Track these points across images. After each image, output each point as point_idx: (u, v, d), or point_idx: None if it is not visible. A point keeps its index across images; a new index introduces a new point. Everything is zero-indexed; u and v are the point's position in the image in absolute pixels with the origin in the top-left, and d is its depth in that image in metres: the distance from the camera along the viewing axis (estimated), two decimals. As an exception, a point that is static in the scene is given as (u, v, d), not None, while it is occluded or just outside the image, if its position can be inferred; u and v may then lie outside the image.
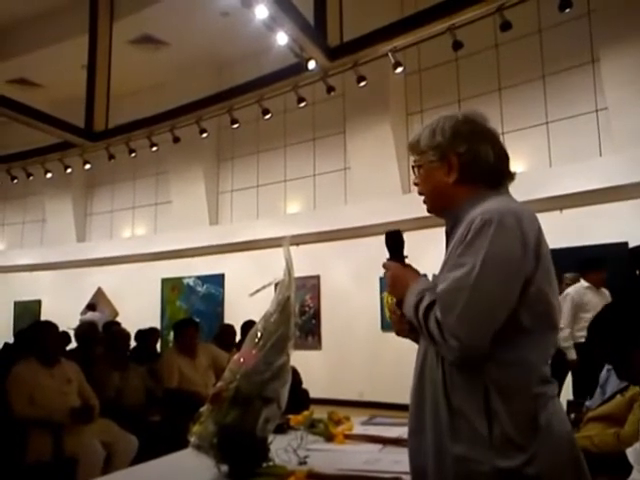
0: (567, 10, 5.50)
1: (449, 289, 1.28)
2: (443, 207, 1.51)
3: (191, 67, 10.10)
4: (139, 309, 10.66)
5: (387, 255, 1.57)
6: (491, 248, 1.26)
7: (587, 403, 3.34)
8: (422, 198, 1.57)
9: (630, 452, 1.99)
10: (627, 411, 2.66)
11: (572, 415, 3.08)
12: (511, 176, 1.50)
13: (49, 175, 9.15)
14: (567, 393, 5.29)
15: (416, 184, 1.58)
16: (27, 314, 11.84)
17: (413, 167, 1.55)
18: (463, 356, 1.26)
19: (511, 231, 1.28)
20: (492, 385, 1.27)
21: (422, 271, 1.55)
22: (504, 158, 1.49)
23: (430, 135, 1.50)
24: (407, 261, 1.55)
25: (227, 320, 9.06)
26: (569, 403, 4.06)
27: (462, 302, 1.25)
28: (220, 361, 5.13)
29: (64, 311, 10.32)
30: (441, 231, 1.54)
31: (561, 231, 6.67)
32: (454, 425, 1.28)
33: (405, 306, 1.42)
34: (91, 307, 11.01)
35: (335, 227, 8.81)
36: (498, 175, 1.47)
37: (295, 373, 4.17)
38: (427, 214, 1.58)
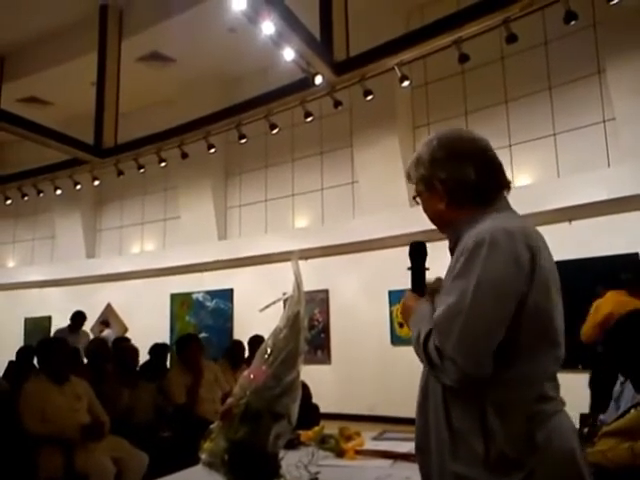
0: (572, 22, 5.52)
1: (445, 315, 1.28)
2: (446, 228, 1.53)
3: (199, 83, 10.18)
4: (148, 325, 10.67)
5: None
6: (484, 270, 1.26)
7: (601, 417, 3.29)
8: None
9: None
10: (642, 425, 2.62)
11: (585, 429, 3.03)
12: (505, 185, 1.48)
13: (59, 192, 9.22)
14: (581, 406, 5.23)
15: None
16: (37, 330, 11.87)
17: (414, 197, 1.59)
18: (462, 380, 1.25)
19: (503, 250, 1.27)
20: (489, 404, 1.27)
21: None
22: (491, 171, 1.47)
23: (415, 167, 1.53)
24: (427, 273, 1.58)
25: (236, 335, 9.08)
26: (582, 417, 4.01)
27: (458, 328, 1.24)
28: (222, 383, 5.11)
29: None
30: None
31: (570, 243, 6.64)
32: (454, 445, 1.29)
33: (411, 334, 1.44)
34: (105, 323, 10.96)
35: (343, 241, 8.80)
36: (487, 190, 1.45)
37: (305, 388, 4.15)
38: (434, 227, 1.60)
